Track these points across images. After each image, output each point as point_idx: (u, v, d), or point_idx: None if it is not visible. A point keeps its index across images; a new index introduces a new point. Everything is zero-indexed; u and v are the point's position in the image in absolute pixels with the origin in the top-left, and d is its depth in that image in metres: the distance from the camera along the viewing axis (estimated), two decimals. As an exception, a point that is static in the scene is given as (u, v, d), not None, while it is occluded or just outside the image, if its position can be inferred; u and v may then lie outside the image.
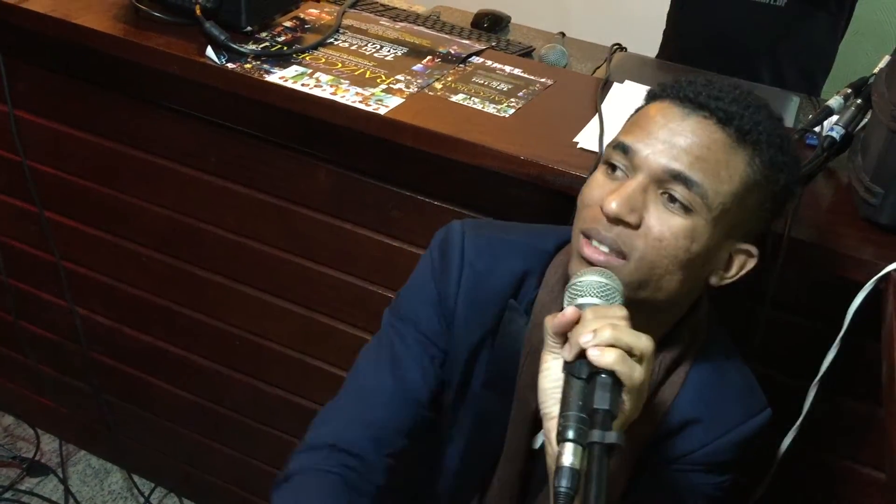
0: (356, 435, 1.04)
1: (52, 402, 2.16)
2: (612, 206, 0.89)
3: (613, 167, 0.93)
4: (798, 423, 1.21)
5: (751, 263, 0.98)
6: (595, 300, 0.85)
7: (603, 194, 0.92)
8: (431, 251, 1.09)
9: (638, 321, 0.85)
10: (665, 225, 0.90)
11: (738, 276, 0.98)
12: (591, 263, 0.91)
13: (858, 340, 1.18)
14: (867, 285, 1.11)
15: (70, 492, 2.08)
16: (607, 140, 1.11)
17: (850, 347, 1.17)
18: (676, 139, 0.90)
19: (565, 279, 1.00)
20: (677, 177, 0.89)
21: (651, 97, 0.97)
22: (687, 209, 0.90)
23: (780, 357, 1.31)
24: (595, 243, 0.91)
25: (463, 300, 1.05)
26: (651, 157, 0.90)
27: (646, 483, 1.05)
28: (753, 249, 0.97)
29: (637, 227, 0.90)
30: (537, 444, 1.10)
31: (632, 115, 0.99)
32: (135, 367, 1.97)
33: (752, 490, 1.30)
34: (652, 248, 0.90)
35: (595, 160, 1.02)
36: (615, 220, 0.90)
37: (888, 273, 1.09)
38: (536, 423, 1.05)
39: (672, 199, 0.90)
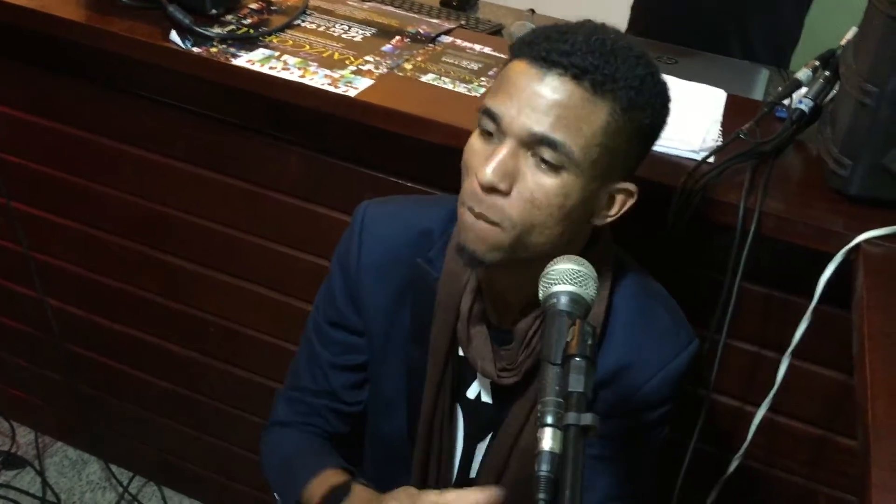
0: (286, 406, 1.27)
1: (27, 395, 2.14)
2: (485, 176, 0.91)
3: (488, 132, 0.95)
4: (772, 393, 1.22)
5: (631, 200, 1.00)
6: (569, 287, 0.86)
7: (479, 162, 0.94)
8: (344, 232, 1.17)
9: (529, 276, 0.90)
10: (537, 185, 0.93)
11: (620, 213, 1.00)
12: (470, 232, 0.95)
13: (830, 311, 1.20)
14: (837, 256, 1.12)
15: (47, 483, 2.07)
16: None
17: (822, 318, 1.18)
18: (536, 101, 0.91)
19: None
20: (542, 140, 0.91)
21: (512, 55, 0.97)
22: (556, 168, 0.92)
23: (752, 329, 1.32)
24: (473, 214, 0.95)
25: (366, 267, 1.12)
26: (515, 121, 0.92)
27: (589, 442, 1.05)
28: (632, 187, 0.99)
29: (509, 192, 0.93)
30: (472, 395, 1.13)
31: (499, 73, 0.99)
32: (109, 357, 1.95)
33: (728, 462, 1.32)
34: (526, 211, 0.93)
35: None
36: (489, 189, 0.92)
37: (858, 244, 1.10)
38: (453, 372, 1.12)
39: (541, 160, 0.92)
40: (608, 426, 1.03)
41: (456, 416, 1.16)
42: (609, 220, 1.00)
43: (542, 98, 0.91)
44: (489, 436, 1.15)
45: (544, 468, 0.73)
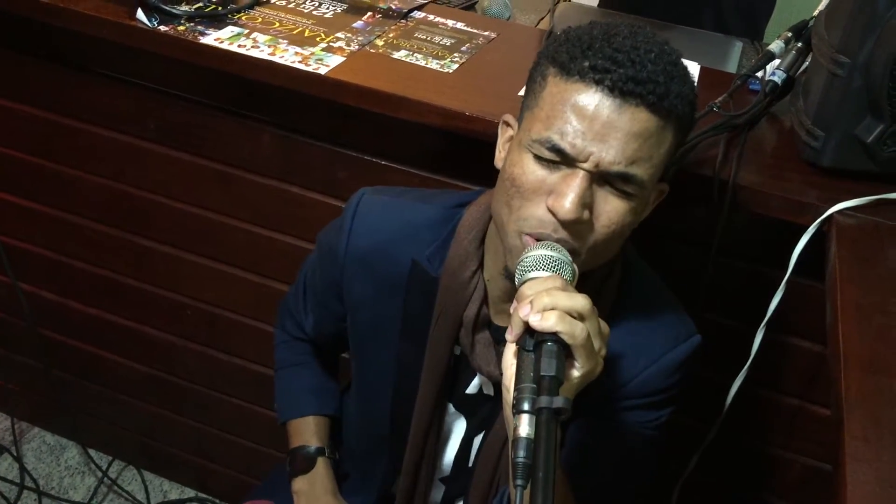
0: (290, 322, 1.36)
1: (2, 381, 2.12)
2: (568, 212, 0.87)
3: (546, 158, 0.90)
4: (747, 365, 1.23)
5: (662, 196, 1.01)
6: (543, 273, 0.85)
7: (543, 187, 0.89)
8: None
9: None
10: (612, 210, 0.90)
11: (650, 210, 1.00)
12: None
13: (803, 282, 1.20)
14: (811, 228, 1.12)
15: (25, 469, 2.06)
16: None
17: (796, 290, 1.19)
18: (613, 135, 0.86)
19: (480, 241, 1.04)
20: (618, 175, 0.88)
21: (565, 71, 0.89)
22: (629, 195, 0.91)
23: (727, 302, 1.33)
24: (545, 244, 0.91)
25: (352, 253, 1.11)
26: (591, 158, 0.87)
27: (582, 426, 1.06)
28: (665, 186, 1.00)
29: (588, 221, 0.90)
30: (473, 390, 1.14)
31: (539, 86, 0.92)
32: (85, 342, 1.93)
33: (705, 433, 1.33)
34: (602, 236, 0.91)
35: (519, 117, 0.99)
36: (570, 223, 0.88)
37: (831, 215, 1.11)
38: (448, 380, 1.12)
39: (613, 188, 0.90)
40: (605, 411, 1.05)
41: (447, 413, 1.16)
42: (641, 219, 0.99)
43: (619, 131, 0.86)
44: (487, 426, 1.15)
45: (521, 454, 0.73)
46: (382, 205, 1.12)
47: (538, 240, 0.90)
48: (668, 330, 1.06)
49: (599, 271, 1.03)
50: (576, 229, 0.90)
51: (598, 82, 0.86)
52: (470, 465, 1.19)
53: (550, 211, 0.89)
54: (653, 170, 0.90)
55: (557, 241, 0.89)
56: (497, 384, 1.10)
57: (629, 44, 0.88)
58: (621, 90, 0.86)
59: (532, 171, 0.90)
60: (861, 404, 0.83)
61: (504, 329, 1.05)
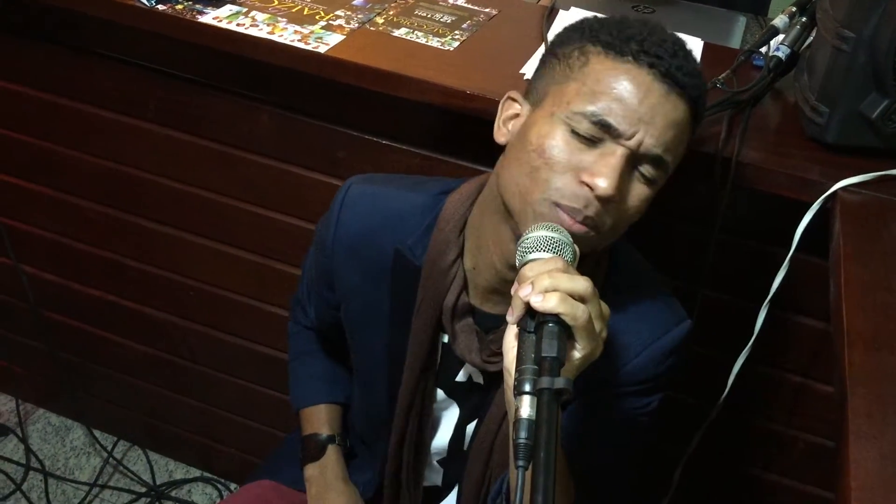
0: (300, 312, 1.38)
1: (6, 363, 2.13)
2: (606, 187, 0.88)
3: (584, 135, 0.90)
4: (750, 342, 1.22)
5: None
6: (544, 255, 0.85)
7: (575, 161, 0.89)
8: None
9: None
10: (637, 196, 0.93)
11: None
12: None
13: (807, 260, 1.20)
14: (814, 205, 1.11)
15: (31, 450, 2.07)
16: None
17: (799, 267, 1.18)
18: (658, 119, 0.89)
19: (460, 229, 1.04)
20: (654, 158, 0.91)
21: (614, 50, 0.90)
22: (653, 182, 0.93)
23: (730, 279, 1.33)
24: (572, 216, 0.90)
25: (340, 242, 1.12)
26: (636, 137, 0.89)
27: (573, 413, 1.06)
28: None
29: (618, 202, 0.91)
30: (463, 378, 1.14)
31: (578, 61, 0.92)
32: (87, 323, 1.93)
33: (708, 411, 1.33)
34: (622, 218, 0.93)
35: (531, 95, 0.97)
36: (605, 200, 0.89)
37: (835, 192, 1.10)
38: (438, 359, 1.12)
39: (643, 174, 0.92)
40: (597, 398, 1.05)
41: (436, 400, 1.17)
42: None
43: (663, 117, 0.89)
44: (480, 416, 1.15)
45: (523, 435, 0.73)
46: (369, 194, 1.12)
47: (569, 215, 0.90)
48: (659, 315, 1.06)
49: (587, 259, 1.03)
50: (608, 208, 0.90)
51: (651, 66, 0.89)
52: (465, 449, 1.19)
53: (587, 185, 0.89)
54: (677, 161, 0.94)
55: (586, 218, 0.90)
56: (482, 372, 1.10)
57: (671, 38, 0.92)
58: (673, 77, 0.89)
59: (567, 143, 0.90)
60: (864, 381, 0.82)
61: (493, 316, 1.05)
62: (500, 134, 1.00)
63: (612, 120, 0.88)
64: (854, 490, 0.71)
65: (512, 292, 0.84)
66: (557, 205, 0.90)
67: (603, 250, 1.03)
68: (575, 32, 0.96)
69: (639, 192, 0.93)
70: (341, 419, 1.35)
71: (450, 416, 1.19)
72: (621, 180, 0.89)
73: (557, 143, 0.90)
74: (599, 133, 0.89)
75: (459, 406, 1.17)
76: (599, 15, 0.98)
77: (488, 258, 1.01)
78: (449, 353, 1.11)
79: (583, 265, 0.98)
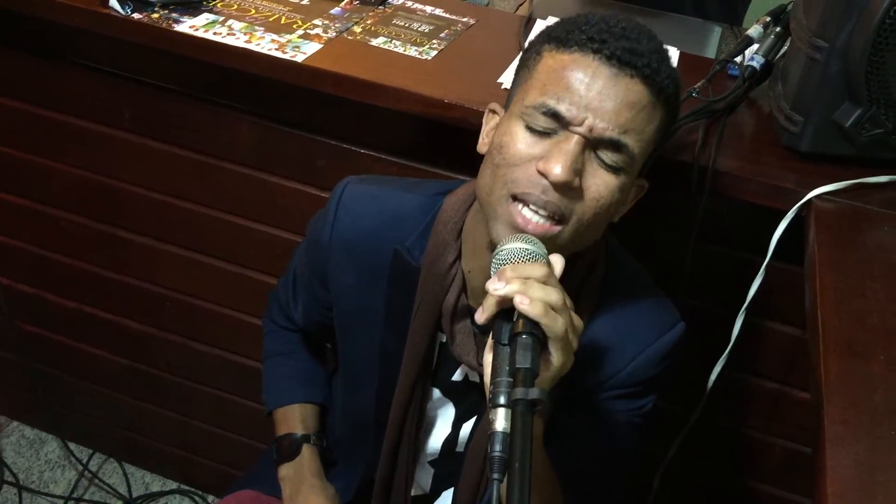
0: (277, 311, 1.37)
1: (-21, 375, 2.10)
2: (558, 171, 0.87)
3: (543, 130, 0.91)
4: (727, 350, 1.23)
5: (641, 193, 1.01)
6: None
7: (534, 153, 0.90)
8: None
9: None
10: (602, 183, 0.91)
11: (630, 207, 1.01)
12: (522, 232, 0.91)
13: (783, 267, 1.21)
14: (789, 213, 1.12)
15: (5, 464, 2.04)
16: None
17: (776, 274, 1.19)
18: (607, 102, 0.89)
19: (458, 232, 1.04)
20: (610, 142, 0.90)
21: (562, 44, 0.92)
22: (618, 169, 0.91)
23: (707, 287, 1.33)
24: (531, 208, 0.90)
25: (336, 242, 1.11)
26: (586, 123, 0.89)
27: (570, 417, 1.07)
28: (645, 182, 1.01)
29: (577, 189, 0.90)
30: (459, 377, 1.14)
31: (534, 61, 0.94)
32: (63, 335, 1.91)
33: (686, 418, 1.33)
34: (590, 209, 0.92)
35: (506, 103, 0.98)
36: (561, 186, 0.89)
37: (809, 200, 1.11)
38: (434, 360, 1.12)
39: (602, 161, 0.91)
40: (594, 401, 1.06)
41: (431, 399, 1.16)
42: (622, 213, 1.00)
43: (613, 100, 0.89)
44: (476, 416, 1.15)
45: (497, 448, 0.74)
46: (366, 194, 1.12)
47: (524, 202, 0.90)
48: (654, 319, 1.06)
49: (581, 264, 1.03)
50: (565, 194, 0.90)
51: (596, 51, 0.89)
52: (460, 449, 1.19)
53: (541, 173, 0.89)
54: (643, 144, 0.92)
55: (546, 203, 0.89)
56: (480, 373, 1.10)
57: (623, 24, 0.91)
58: (619, 58, 0.88)
59: (523, 139, 0.91)
60: (840, 388, 0.83)
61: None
62: (482, 144, 1.01)
63: (560, 108, 0.89)
64: (831, 496, 0.72)
65: (487, 287, 0.84)
66: (515, 197, 0.91)
67: (594, 255, 1.03)
68: (536, 37, 0.97)
69: (603, 178, 0.91)
70: (317, 420, 1.33)
71: (445, 416, 1.18)
72: (574, 164, 0.88)
73: (514, 139, 0.92)
74: (552, 124, 0.90)
75: (455, 405, 1.17)
76: None
77: (482, 261, 1.01)
78: (445, 353, 1.11)
79: (572, 274, 0.99)
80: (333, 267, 1.14)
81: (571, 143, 0.89)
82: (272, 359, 1.38)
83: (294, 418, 1.31)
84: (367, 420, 1.21)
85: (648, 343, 1.05)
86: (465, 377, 1.14)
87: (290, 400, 1.33)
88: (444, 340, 1.10)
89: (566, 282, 1.01)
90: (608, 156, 0.91)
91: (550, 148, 0.90)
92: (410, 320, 1.09)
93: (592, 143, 0.90)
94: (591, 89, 0.88)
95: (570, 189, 0.89)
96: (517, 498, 0.70)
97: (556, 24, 0.96)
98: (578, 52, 0.90)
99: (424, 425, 1.19)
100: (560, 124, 0.90)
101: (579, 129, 0.89)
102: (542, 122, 0.90)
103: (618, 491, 1.16)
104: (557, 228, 0.91)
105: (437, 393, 1.16)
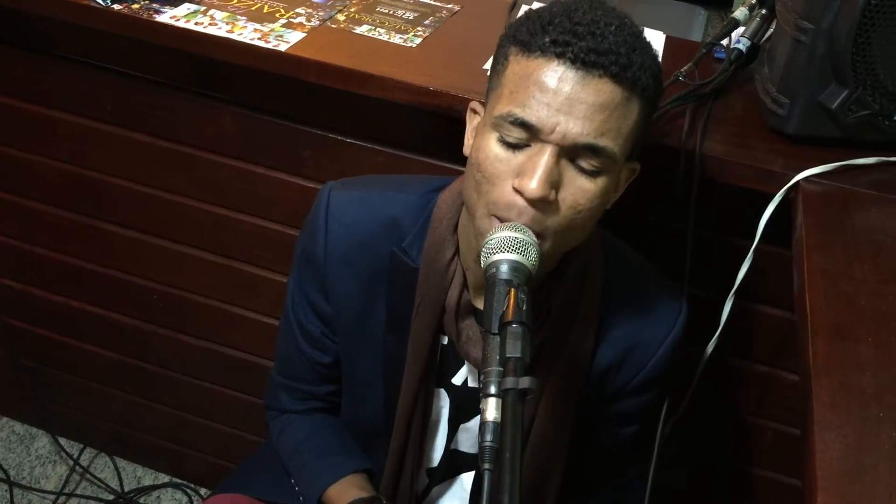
0: (287, 395, 1.26)
1: (-33, 372, 2.08)
2: (534, 190, 0.85)
3: (514, 143, 0.88)
4: (717, 334, 1.23)
5: (634, 175, 0.99)
6: (511, 255, 0.85)
7: (509, 170, 0.88)
8: (308, 216, 1.12)
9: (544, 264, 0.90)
10: (580, 191, 0.89)
11: (623, 191, 0.99)
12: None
13: (771, 250, 1.21)
14: (777, 196, 1.12)
15: (-5, 460, 2.03)
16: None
17: (764, 257, 1.19)
18: (578, 107, 0.85)
19: (454, 227, 1.03)
20: (586, 148, 0.87)
21: (526, 48, 0.88)
22: (598, 173, 0.89)
23: (695, 271, 1.33)
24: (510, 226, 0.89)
25: (333, 255, 1.08)
26: (556, 130, 0.86)
27: (591, 421, 1.10)
28: (636, 164, 0.98)
29: (555, 202, 0.88)
30: (459, 381, 1.13)
31: (502, 66, 0.91)
32: (51, 330, 1.90)
33: (677, 403, 1.33)
34: (569, 218, 0.90)
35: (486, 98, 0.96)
36: (537, 203, 0.87)
37: (797, 183, 1.11)
38: (436, 361, 1.10)
39: (581, 168, 0.88)
40: (615, 407, 1.10)
41: (436, 401, 1.15)
42: (614, 199, 0.98)
43: (583, 104, 0.85)
44: (475, 417, 1.14)
45: (488, 438, 0.73)
46: (355, 200, 1.08)
47: (502, 220, 0.89)
48: (664, 310, 1.08)
49: (576, 260, 1.02)
50: (542, 209, 0.88)
51: (559, 56, 0.86)
52: (460, 450, 1.19)
53: (517, 191, 0.87)
54: (621, 141, 0.89)
55: (524, 223, 0.88)
56: None
57: (589, 17, 0.87)
58: (583, 61, 0.85)
59: (496, 154, 0.89)
60: (828, 371, 0.83)
61: None
62: (466, 147, 0.98)
63: (529, 118, 0.86)
64: (820, 479, 0.72)
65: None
66: (497, 217, 0.89)
67: (588, 252, 1.03)
68: (504, 35, 0.94)
69: (581, 187, 0.89)
70: (372, 486, 1.22)
71: (446, 418, 1.17)
72: (549, 178, 0.86)
73: (489, 154, 0.89)
74: (524, 134, 0.87)
75: (453, 407, 1.16)
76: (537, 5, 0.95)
77: (475, 256, 1.00)
78: (447, 355, 1.10)
79: (568, 272, 1.00)
80: (332, 281, 1.10)
81: (545, 155, 0.86)
82: (296, 454, 1.24)
83: (352, 488, 1.19)
84: (377, 428, 1.18)
85: (662, 340, 1.07)
86: (465, 381, 1.13)
87: (337, 475, 1.20)
88: (446, 342, 1.09)
89: (563, 287, 1.01)
90: (586, 161, 0.88)
91: (525, 161, 0.87)
92: (411, 321, 1.07)
93: (568, 151, 0.87)
94: (558, 95, 0.85)
95: (547, 203, 0.87)
96: (508, 486, 0.70)
97: (521, 20, 0.92)
98: (542, 58, 0.86)
99: (431, 428, 1.18)
100: (531, 134, 0.87)
101: (552, 138, 0.86)
102: (515, 134, 0.87)
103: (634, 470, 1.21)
104: (538, 240, 0.89)
105: (442, 394, 1.15)
